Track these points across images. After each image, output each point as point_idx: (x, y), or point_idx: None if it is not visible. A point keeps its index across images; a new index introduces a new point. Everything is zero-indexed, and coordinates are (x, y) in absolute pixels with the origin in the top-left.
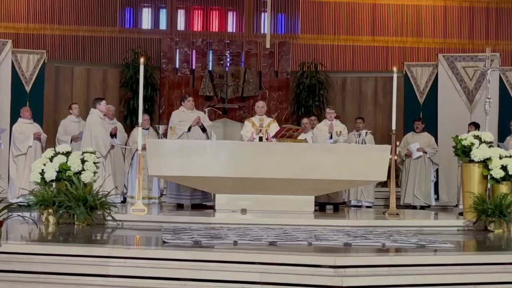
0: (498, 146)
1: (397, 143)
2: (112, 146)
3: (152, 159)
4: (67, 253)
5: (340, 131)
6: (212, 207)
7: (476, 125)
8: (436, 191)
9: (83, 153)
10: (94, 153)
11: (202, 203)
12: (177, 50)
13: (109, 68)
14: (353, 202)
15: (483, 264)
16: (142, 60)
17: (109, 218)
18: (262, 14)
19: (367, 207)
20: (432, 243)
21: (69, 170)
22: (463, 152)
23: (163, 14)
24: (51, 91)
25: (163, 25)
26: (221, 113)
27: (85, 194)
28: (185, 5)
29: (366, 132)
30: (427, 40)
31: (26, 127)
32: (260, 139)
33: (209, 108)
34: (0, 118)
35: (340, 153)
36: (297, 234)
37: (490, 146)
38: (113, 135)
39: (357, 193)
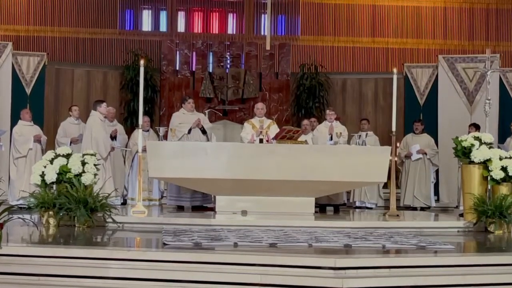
0: (498, 147)
1: (397, 144)
2: (112, 148)
3: (152, 161)
4: (67, 255)
5: (340, 133)
6: (212, 209)
7: (476, 126)
8: (436, 192)
9: (84, 155)
10: (94, 155)
11: (202, 205)
12: (178, 52)
13: (110, 70)
14: (357, 203)
15: (484, 265)
16: (142, 62)
17: (110, 220)
18: (262, 15)
19: (368, 208)
20: (432, 244)
21: (70, 172)
22: (463, 153)
23: (163, 16)
24: (51, 93)
25: (163, 27)
26: (221, 114)
27: (85, 196)
28: (185, 7)
29: (367, 134)
30: (427, 41)
31: (26, 129)
32: (261, 141)
33: (209, 110)
34: (1, 120)
35: (340, 154)
36: (298, 236)
37: (490, 147)
38: (113, 137)
39: (361, 194)
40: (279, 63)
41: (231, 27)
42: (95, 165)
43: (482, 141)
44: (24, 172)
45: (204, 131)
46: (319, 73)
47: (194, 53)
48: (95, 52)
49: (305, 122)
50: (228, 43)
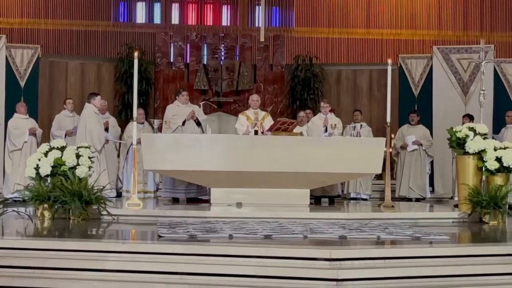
0: (493, 138)
1: (392, 136)
2: (107, 141)
3: (147, 153)
4: (62, 248)
5: (335, 124)
6: (207, 201)
7: (470, 117)
8: (431, 183)
9: (78, 147)
10: (89, 147)
11: (197, 197)
12: (172, 44)
13: (104, 63)
14: (352, 195)
15: (478, 256)
16: (136, 54)
17: (105, 212)
18: (257, 7)
19: (363, 199)
20: (427, 235)
21: (64, 165)
22: (458, 144)
23: (157, 8)
24: (45, 86)
25: (157, 19)
26: (215, 106)
27: (80, 189)
28: None
29: (361, 125)
30: (421, 32)
31: (22, 122)
32: (255, 132)
33: (203, 102)
34: None
35: (335, 146)
36: (293, 227)
37: (484, 138)
38: (104, 129)
39: (356, 186)
40: (273, 54)
41: (225, 19)
42: (89, 157)
43: (477, 132)
44: (19, 165)
45: (198, 123)
46: (313, 64)
47: (188, 45)
48: (89, 45)
49: (301, 113)
50: (222, 35)
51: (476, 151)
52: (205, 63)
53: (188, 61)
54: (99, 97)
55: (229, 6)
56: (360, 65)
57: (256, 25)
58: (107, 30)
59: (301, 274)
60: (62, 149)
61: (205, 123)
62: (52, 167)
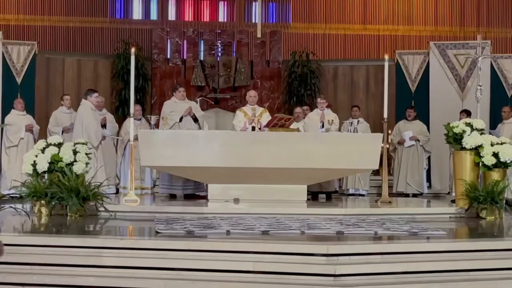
0: (490, 133)
1: (389, 131)
2: (104, 137)
3: (144, 150)
4: (60, 244)
5: (332, 120)
6: (204, 197)
7: (467, 113)
8: (428, 179)
9: (75, 144)
10: (86, 144)
11: (194, 193)
12: (168, 40)
13: (100, 59)
14: (351, 191)
15: (475, 251)
16: (133, 50)
17: (102, 209)
18: (253, 3)
19: (361, 195)
20: (424, 230)
21: (61, 161)
22: (455, 140)
23: (154, 4)
24: (42, 82)
25: (154, 15)
26: (213, 103)
27: (77, 185)
28: None
29: (358, 121)
30: (418, 28)
31: (19, 118)
32: (253, 128)
33: (200, 98)
34: None
35: (332, 142)
36: (290, 223)
37: (481, 134)
38: (102, 125)
39: (355, 182)
40: (270, 50)
41: (222, 15)
42: (86, 154)
43: (474, 127)
44: (15, 162)
45: (195, 119)
46: (310, 60)
47: (185, 41)
48: (86, 41)
49: (298, 109)
50: (219, 31)
51: (473, 146)
52: (202, 59)
53: (185, 57)
54: (96, 94)
55: (225, 2)
56: (357, 61)
57: (253, 21)
58: (104, 27)
59: (299, 270)
60: (59, 145)
61: (202, 119)
62: (49, 163)
